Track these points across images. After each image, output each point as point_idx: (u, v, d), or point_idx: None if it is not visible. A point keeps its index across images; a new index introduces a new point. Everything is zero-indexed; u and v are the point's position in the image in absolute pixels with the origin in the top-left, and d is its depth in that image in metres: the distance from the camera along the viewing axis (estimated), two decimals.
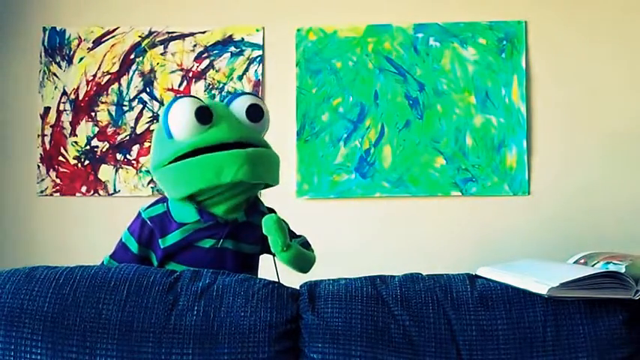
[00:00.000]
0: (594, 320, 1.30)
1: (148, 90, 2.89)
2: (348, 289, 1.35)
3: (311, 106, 2.86)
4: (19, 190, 2.86)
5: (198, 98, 1.51)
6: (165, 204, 1.55)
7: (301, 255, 1.53)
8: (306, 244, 1.65)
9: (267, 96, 2.87)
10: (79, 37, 2.91)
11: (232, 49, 2.90)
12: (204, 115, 1.46)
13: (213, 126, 1.47)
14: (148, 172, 2.85)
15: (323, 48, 2.88)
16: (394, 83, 2.86)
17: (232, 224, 1.55)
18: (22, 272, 1.32)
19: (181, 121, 1.46)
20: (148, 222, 1.53)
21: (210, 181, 1.44)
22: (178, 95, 1.49)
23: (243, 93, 1.60)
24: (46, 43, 2.91)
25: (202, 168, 1.44)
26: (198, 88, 2.88)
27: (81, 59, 2.91)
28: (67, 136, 2.88)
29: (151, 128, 2.87)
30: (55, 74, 2.90)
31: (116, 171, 2.86)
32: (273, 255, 1.53)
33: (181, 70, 2.90)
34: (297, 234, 1.67)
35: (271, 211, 1.63)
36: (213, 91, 2.87)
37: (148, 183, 2.85)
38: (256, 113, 1.54)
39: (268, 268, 1.61)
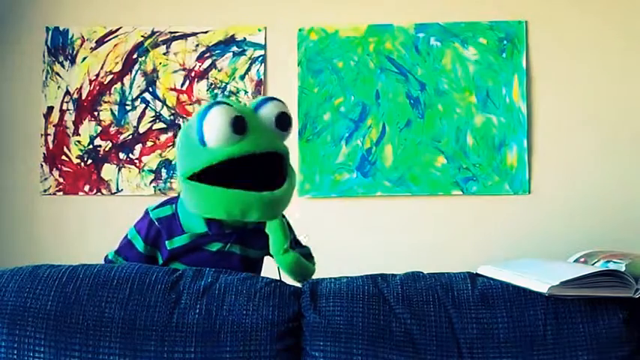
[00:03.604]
0: (594, 319, 1.30)
1: (150, 89, 2.90)
2: (349, 288, 1.36)
3: (313, 105, 2.86)
4: (23, 189, 2.87)
5: (231, 105, 1.47)
6: (173, 206, 1.54)
7: (300, 263, 1.52)
8: (308, 256, 1.64)
9: (269, 95, 2.86)
10: (82, 37, 2.92)
11: (234, 48, 2.91)
12: (240, 125, 1.43)
13: (247, 136, 1.45)
14: (150, 171, 2.86)
15: (324, 48, 2.88)
16: (395, 83, 2.86)
17: (241, 230, 1.55)
18: (25, 271, 1.33)
19: (217, 130, 1.42)
20: (156, 223, 1.53)
21: (234, 216, 1.46)
22: (213, 101, 1.47)
23: (271, 98, 1.57)
24: (49, 43, 2.92)
25: (231, 203, 1.44)
26: (200, 88, 2.88)
27: (84, 59, 2.92)
28: (70, 135, 2.89)
29: (154, 127, 2.88)
30: (58, 74, 2.90)
31: (119, 170, 2.87)
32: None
33: (184, 69, 2.91)
34: (303, 244, 1.66)
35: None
36: (215, 91, 2.88)
37: (151, 182, 2.86)
38: (285, 122, 1.54)
39: (269, 267, 1.62)
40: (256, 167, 1.47)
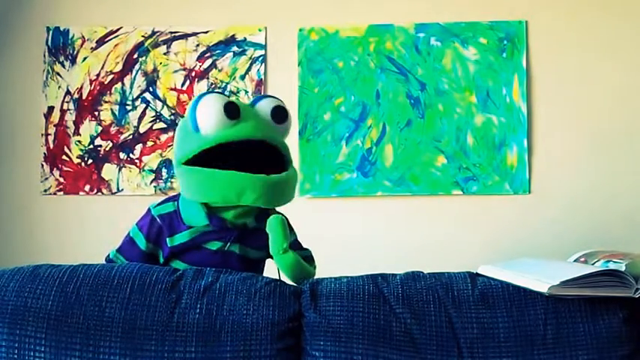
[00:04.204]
0: (594, 318, 1.30)
1: (150, 89, 2.90)
2: (349, 287, 1.36)
3: (313, 105, 2.86)
4: (23, 188, 2.87)
5: (226, 95, 1.50)
6: (175, 203, 1.54)
7: (299, 265, 1.51)
8: (308, 259, 1.63)
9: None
10: (83, 37, 2.92)
11: (235, 48, 2.91)
12: (232, 110, 1.46)
13: (240, 122, 1.47)
14: (151, 171, 2.86)
15: (325, 48, 2.88)
16: (396, 83, 2.86)
17: (241, 229, 1.55)
18: (25, 271, 1.33)
19: (210, 114, 1.45)
20: (158, 219, 1.53)
21: (229, 199, 1.45)
22: (206, 90, 1.49)
23: (268, 96, 1.60)
24: (49, 43, 2.92)
25: (225, 184, 1.44)
26: (200, 88, 2.88)
27: (84, 59, 2.92)
28: (71, 135, 2.89)
29: (154, 127, 2.88)
30: (58, 74, 2.91)
31: (119, 170, 2.87)
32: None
33: (184, 69, 2.91)
34: (304, 247, 1.66)
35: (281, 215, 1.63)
36: (215, 91, 2.87)
37: (151, 182, 2.86)
38: (281, 115, 1.54)
39: (269, 266, 1.62)
40: (252, 156, 1.47)
